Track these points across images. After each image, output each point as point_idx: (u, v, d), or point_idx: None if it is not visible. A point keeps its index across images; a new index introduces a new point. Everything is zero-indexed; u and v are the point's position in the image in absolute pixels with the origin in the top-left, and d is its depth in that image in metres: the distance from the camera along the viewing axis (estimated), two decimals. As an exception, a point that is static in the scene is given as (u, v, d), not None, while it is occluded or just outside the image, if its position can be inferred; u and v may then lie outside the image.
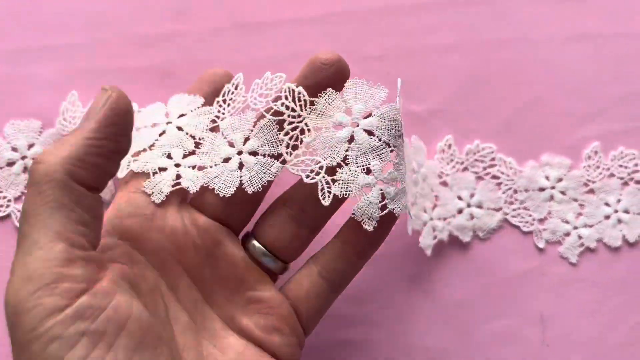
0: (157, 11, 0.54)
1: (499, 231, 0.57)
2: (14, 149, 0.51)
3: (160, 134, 0.45)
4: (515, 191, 0.57)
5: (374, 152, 0.43)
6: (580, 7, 0.57)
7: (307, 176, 0.43)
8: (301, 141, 0.44)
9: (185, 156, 0.44)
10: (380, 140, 0.43)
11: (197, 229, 0.42)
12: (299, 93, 0.43)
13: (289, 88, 0.43)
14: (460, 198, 0.56)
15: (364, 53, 0.56)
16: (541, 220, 0.57)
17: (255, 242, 0.44)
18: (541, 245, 0.56)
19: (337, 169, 0.43)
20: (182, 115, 0.45)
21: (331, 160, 0.43)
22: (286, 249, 0.45)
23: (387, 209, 0.43)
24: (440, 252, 0.56)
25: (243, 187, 0.43)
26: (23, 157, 0.51)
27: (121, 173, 0.44)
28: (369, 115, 0.43)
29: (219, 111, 0.45)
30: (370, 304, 0.55)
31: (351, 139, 0.43)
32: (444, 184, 0.56)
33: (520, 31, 0.57)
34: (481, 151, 0.56)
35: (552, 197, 0.57)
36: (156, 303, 0.39)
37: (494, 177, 0.57)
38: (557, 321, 0.55)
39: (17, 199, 0.51)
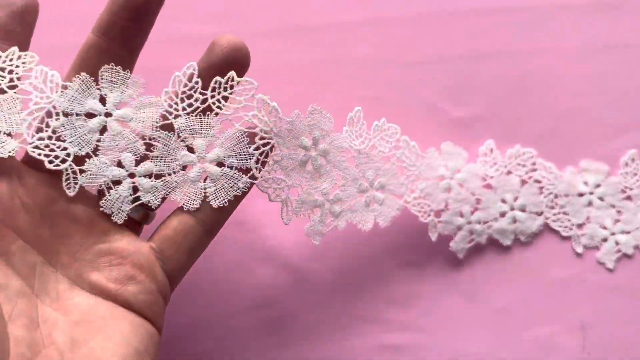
0: (199, 13, 0.54)
1: (539, 235, 0.57)
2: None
3: (101, 131, 0.40)
4: (556, 196, 0.57)
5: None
6: (618, 16, 0.58)
7: (274, 194, 0.44)
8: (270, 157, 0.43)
9: (137, 162, 0.41)
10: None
11: (25, 188, 0.38)
12: (274, 108, 0.42)
13: (262, 100, 0.42)
14: (504, 201, 0.56)
15: (407, 59, 0.56)
16: (580, 226, 0.57)
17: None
18: (579, 250, 0.57)
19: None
20: (123, 104, 0.41)
21: (293, 183, 0.44)
22: None
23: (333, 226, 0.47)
24: (481, 258, 0.56)
25: (207, 200, 0.42)
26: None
27: (70, 191, 0.40)
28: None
29: (170, 105, 0.41)
30: (414, 309, 0.55)
31: (306, 162, 0.45)
32: (488, 186, 0.56)
33: (560, 40, 0.57)
34: (522, 155, 0.56)
35: (590, 203, 0.57)
36: None
37: (536, 181, 0.57)
38: (597, 329, 0.55)
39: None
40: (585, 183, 0.57)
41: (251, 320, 0.54)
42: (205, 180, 0.42)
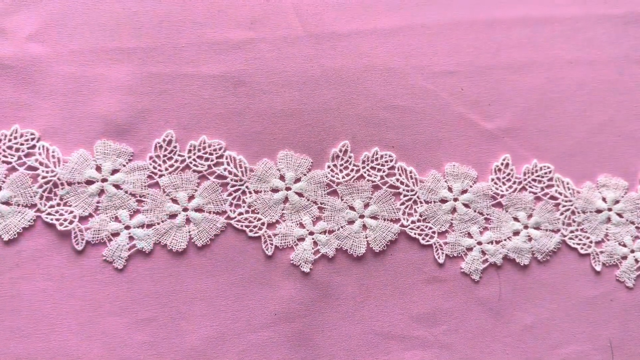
0: (232, 18, 0.52)
1: (558, 253, 0.56)
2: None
3: (99, 194, 0.49)
4: (574, 212, 0.56)
5: (304, 209, 0.52)
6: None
7: (251, 230, 0.51)
8: (243, 201, 0.51)
9: (131, 216, 0.50)
10: (308, 200, 0.52)
11: None
12: (240, 161, 0.51)
13: (230, 156, 0.51)
14: (516, 219, 0.55)
15: (436, 68, 0.55)
16: (598, 243, 0.57)
17: None
18: (598, 268, 0.56)
19: (276, 224, 0.52)
20: (115, 170, 0.50)
21: (270, 218, 0.52)
22: None
23: (320, 253, 0.53)
24: (507, 276, 0.55)
25: (193, 241, 0.50)
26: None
27: (78, 246, 0.48)
28: (299, 180, 0.53)
29: (154, 167, 0.50)
30: (439, 326, 0.54)
31: (285, 200, 0.52)
32: (498, 205, 0.56)
33: (594, 52, 0.57)
34: (539, 171, 0.56)
35: (609, 219, 0.57)
36: None
37: (552, 197, 0.56)
38: (626, 348, 0.55)
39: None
40: (604, 199, 0.57)
41: (274, 334, 0.52)
42: (188, 225, 0.51)
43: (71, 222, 0.48)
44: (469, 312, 0.54)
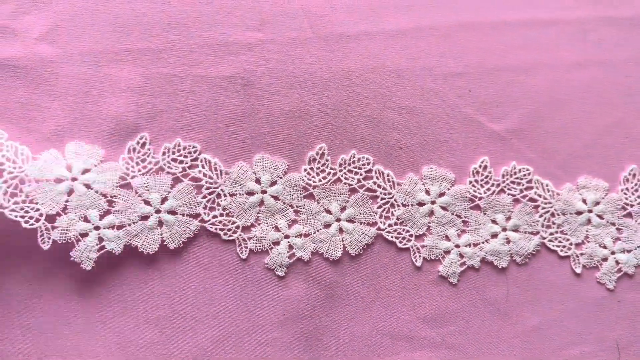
0: (241, 19, 0.53)
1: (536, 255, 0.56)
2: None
3: (69, 193, 0.48)
4: (553, 214, 0.56)
5: (280, 212, 0.52)
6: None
7: (225, 234, 0.51)
8: (218, 204, 0.51)
9: (101, 216, 0.48)
10: (284, 203, 0.52)
11: None
12: (215, 163, 0.51)
13: (205, 159, 0.51)
14: (495, 222, 0.55)
15: (444, 69, 0.55)
16: (578, 245, 0.56)
17: None
18: (578, 270, 0.56)
19: (252, 228, 0.52)
20: (86, 170, 0.49)
21: (245, 221, 0.52)
22: None
23: (295, 257, 0.53)
24: (512, 276, 0.55)
25: (165, 243, 0.50)
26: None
27: (45, 245, 0.47)
28: (275, 183, 0.52)
29: (127, 168, 0.50)
30: (446, 327, 0.54)
31: (261, 203, 0.52)
32: (476, 207, 0.55)
33: (603, 53, 0.57)
34: (517, 173, 0.55)
35: (589, 221, 0.57)
36: None
37: (531, 199, 0.56)
38: (633, 348, 0.55)
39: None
40: (584, 201, 0.56)
41: (282, 334, 0.52)
42: (161, 227, 0.50)
43: (37, 220, 0.47)
44: (477, 313, 0.55)
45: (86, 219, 0.48)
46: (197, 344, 0.51)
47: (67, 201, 0.47)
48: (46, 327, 0.50)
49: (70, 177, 0.48)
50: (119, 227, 0.48)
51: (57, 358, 0.50)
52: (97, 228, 0.48)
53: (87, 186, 0.48)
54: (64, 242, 0.47)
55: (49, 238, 0.47)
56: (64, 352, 0.50)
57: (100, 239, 0.48)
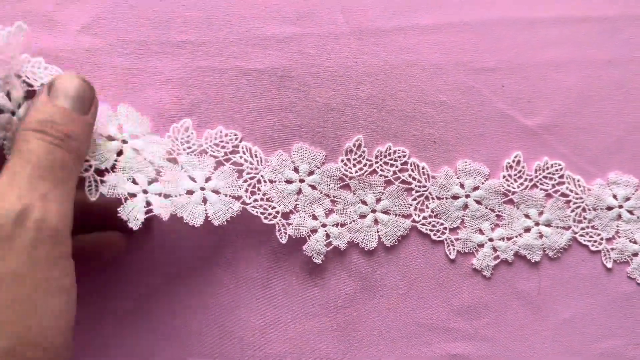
0: (278, 13, 0.53)
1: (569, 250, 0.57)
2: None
3: (118, 154, 0.48)
4: (584, 209, 0.57)
5: (317, 202, 0.53)
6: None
7: (266, 218, 0.52)
8: (258, 189, 0.52)
9: (149, 182, 0.49)
10: (321, 193, 0.53)
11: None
12: (256, 151, 0.52)
13: (246, 146, 0.52)
14: (527, 216, 0.56)
15: (477, 64, 0.55)
16: (609, 240, 0.57)
17: None
18: (609, 265, 0.57)
19: (290, 214, 0.52)
20: (135, 135, 0.49)
21: (284, 207, 0.52)
22: None
23: (332, 245, 0.53)
24: (545, 270, 0.56)
25: (209, 219, 0.50)
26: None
27: (92, 196, 0.46)
28: (313, 173, 0.53)
29: (173, 144, 0.51)
30: (480, 319, 0.55)
31: (299, 192, 0.52)
32: (510, 202, 0.56)
33: (628, 52, 0.58)
34: (550, 168, 0.56)
35: (619, 216, 0.57)
36: None
37: (563, 194, 0.56)
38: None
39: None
40: (615, 196, 0.57)
41: (320, 324, 0.53)
42: (205, 204, 0.50)
43: (86, 170, 0.46)
44: (509, 306, 0.55)
45: (134, 182, 0.48)
46: (238, 333, 0.53)
47: (116, 160, 0.47)
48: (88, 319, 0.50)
49: (121, 138, 0.48)
50: (166, 196, 0.49)
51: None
52: (145, 192, 0.48)
53: (136, 151, 0.48)
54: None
55: (97, 190, 0.46)
56: (101, 341, 0.51)
57: (149, 204, 0.48)
